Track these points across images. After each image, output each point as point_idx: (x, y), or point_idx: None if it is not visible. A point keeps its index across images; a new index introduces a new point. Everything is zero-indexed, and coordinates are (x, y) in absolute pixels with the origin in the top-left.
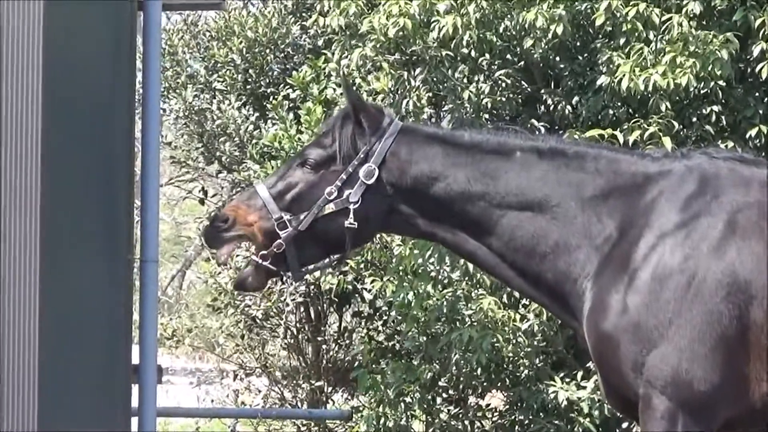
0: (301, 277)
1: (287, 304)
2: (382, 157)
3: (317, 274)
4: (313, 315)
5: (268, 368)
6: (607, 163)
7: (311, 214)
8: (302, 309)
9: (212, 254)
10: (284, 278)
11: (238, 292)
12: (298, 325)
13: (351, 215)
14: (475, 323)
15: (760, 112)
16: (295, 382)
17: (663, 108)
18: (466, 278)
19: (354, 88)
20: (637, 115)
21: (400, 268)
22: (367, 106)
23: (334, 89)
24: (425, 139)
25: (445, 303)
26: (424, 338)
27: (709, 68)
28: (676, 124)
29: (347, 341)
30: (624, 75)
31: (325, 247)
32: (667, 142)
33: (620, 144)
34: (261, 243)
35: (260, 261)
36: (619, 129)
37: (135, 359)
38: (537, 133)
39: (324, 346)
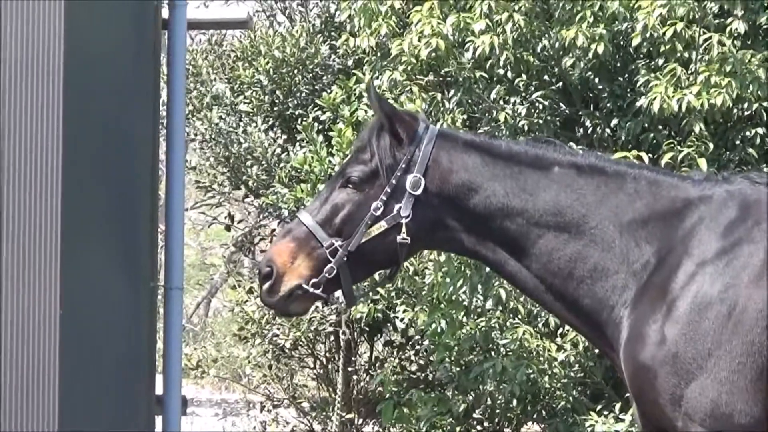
0: (355, 302)
1: (317, 334)
2: (425, 166)
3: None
4: (343, 344)
5: (297, 399)
6: (647, 185)
7: (360, 234)
8: (332, 338)
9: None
10: (330, 303)
11: (276, 318)
12: (327, 354)
13: (404, 230)
14: (510, 353)
15: None
16: (324, 413)
17: (697, 129)
18: (500, 307)
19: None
20: (677, 138)
21: (432, 296)
22: (399, 114)
23: (366, 111)
24: (464, 147)
25: (478, 332)
26: (457, 369)
27: (749, 89)
28: (711, 145)
29: (379, 371)
30: (657, 96)
31: (376, 266)
32: (703, 164)
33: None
34: (312, 274)
35: (311, 290)
36: (659, 152)
37: (159, 389)
38: (584, 151)
39: (354, 377)
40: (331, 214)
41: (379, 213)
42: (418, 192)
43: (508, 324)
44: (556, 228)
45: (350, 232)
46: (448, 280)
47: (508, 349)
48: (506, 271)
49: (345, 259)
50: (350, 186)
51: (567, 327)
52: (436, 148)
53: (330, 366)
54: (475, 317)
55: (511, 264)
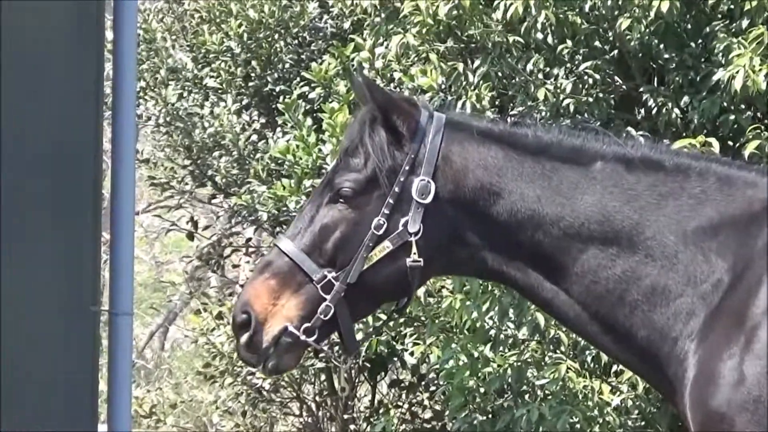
0: (357, 348)
1: (304, 371)
2: (434, 166)
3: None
4: (337, 385)
5: None
6: (716, 183)
7: (360, 260)
8: (323, 377)
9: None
10: (323, 353)
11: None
12: (317, 398)
13: (414, 249)
14: (550, 396)
15: None
16: None
17: None
18: (537, 336)
19: (386, 83)
20: (766, 122)
21: (450, 323)
22: (396, 102)
23: None
24: (480, 138)
25: (509, 370)
26: (482, 417)
27: None
28: None
29: (381, 419)
30: (739, 69)
31: (381, 298)
32: None
33: (727, 156)
34: (302, 316)
35: (302, 336)
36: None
37: None
38: (633, 140)
39: (352, 426)
40: (321, 239)
41: (381, 231)
42: (428, 200)
43: (547, 359)
44: (601, 240)
45: (346, 260)
46: (470, 302)
47: (547, 392)
48: (541, 297)
49: (342, 294)
50: (341, 200)
51: None
52: (445, 141)
53: (321, 413)
54: (505, 350)
55: (547, 288)
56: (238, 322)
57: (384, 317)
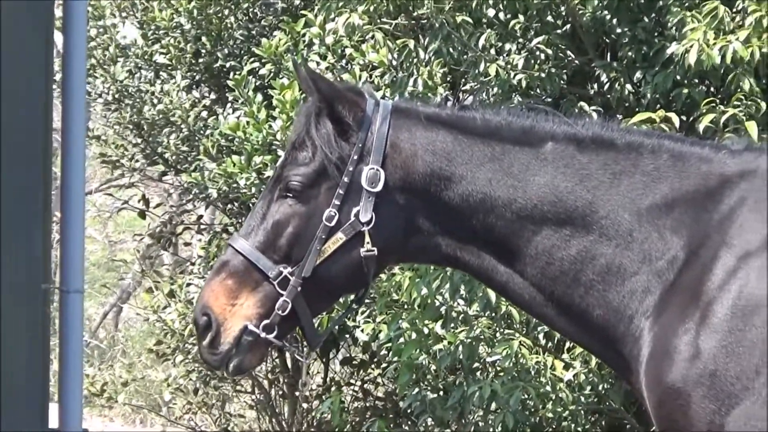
0: (319, 341)
1: None
2: (382, 153)
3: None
4: (289, 363)
5: None
6: (670, 159)
7: (313, 254)
8: (275, 355)
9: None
10: (287, 349)
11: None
12: (270, 376)
13: (367, 239)
14: (502, 373)
15: None
16: None
17: (746, 85)
18: (488, 312)
19: (337, 59)
20: (720, 96)
21: (398, 300)
22: (341, 92)
23: (318, 62)
24: (427, 123)
25: (460, 347)
26: (432, 394)
27: None
28: (764, 105)
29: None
30: (693, 43)
31: (339, 290)
32: (752, 128)
33: (678, 131)
34: (261, 313)
35: (263, 334)
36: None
37: (54, 422)
38: (585, 118)
39: (305, 404)
40: (274, 235)
41: (333, 223)
42: (378, 188)
43: (498, 335)
44: (555, 221)
45: (301, 254)
46: (419, 279)
47: (499, 368)
48: (496, 280)
49: (299, 288)
50: (291, 195)
51: None
52: (392, 129)
53: (273, 390)
54: (456, 327)
55: (501, 271)
56: (200, 325)
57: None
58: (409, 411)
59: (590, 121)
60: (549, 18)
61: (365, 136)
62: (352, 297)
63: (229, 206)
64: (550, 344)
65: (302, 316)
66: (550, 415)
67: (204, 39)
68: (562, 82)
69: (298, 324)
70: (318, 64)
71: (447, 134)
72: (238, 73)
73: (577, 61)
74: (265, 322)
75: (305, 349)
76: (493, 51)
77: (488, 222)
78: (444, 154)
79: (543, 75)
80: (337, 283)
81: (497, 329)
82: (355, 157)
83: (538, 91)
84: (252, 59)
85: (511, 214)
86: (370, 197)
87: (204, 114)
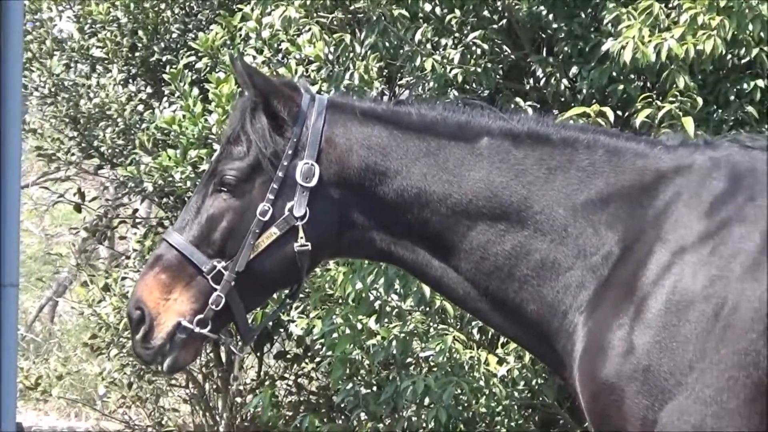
0: (253, 336)
1: None
2: (317, 148)
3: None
4: (223, 357)
5: (165, 428)
6: (605, 154)
7: (247, 248)
8: (209, 350)
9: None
10: (223, 343)
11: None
12: (204, 370)
13: (300, 234)
14: (435, 368)
15: None
16: None
17: (680, 82)
18: (422, 307)
19: (274, 53)
20: (655, 92)
21: (333, 294)
22: (276, 87)
23: (254, 56)
24: (363, 118)
25: (394, 342)
26: (366, 389)
27: (749, 30)
28: (699, 101)
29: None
30: (628, 41)
31: (273, 285)
32: (688, 124)
33: (613, 126)
34: (195, 308)
35: (197, 329)
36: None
37: None
38: (520, 114)
39: (238, 399)
40: (208, 229)
41: (267, 218)
42: (313, 183)
43: (432, 330)
44: (490, 216)
45: (234, 248)
46: (353, 274)
47: (432, 363)
48: (430, 275)
49: (233, 283)
50: (225, 189)
51: None
52: (327, 123)
53: (207, 385)
54: (390, 322)
55: (436, 266)
56: (133, 319)
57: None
58: (342, 406)
59: (526, 116)
60: (485, 13)
61: (300, 131)
62: (287, 292)
63: (165, 200)
64: (483, 339)
65: (236, 311)
66: (484, 410)
67: (140, 33)
68: (498, 77)
69: (231, 319)
70: (254, 58)
71: (382, 129)
72: (174, 66)
73: (513, 56)
74: (199, 317)
75: (239, 343)
76: (429, 45)
77: (423, 217)
78: (379, 149)
79: (479, 70)
80: (270, 278)
81: (431, 324)
82: (290, 152)
83: (474, 85)
84: (188, 53)
85: (446, 209)
86: (305, 192)
87: (140, 108)
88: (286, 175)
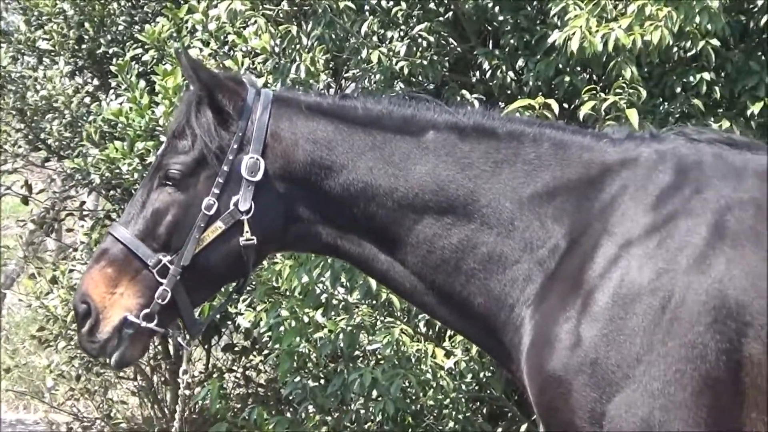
0: (200, 330)
1: None
2: (263, 143)
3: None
4: (172, 350)
5: (113, 420)
6: (551, 148)
7: (192, 242)
8: (157, 342)
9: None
10: (171, 337)
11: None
12: (152, 362)
13: (246, 228)
14: (382, 361)
15: (767, 81)
16: None
17: (627, 73)
18: (369, 300)
19: (220, 45)
20: (601, 84)
21: (277, 286)
22: (221, 81)
23: (201, 49)
24: (309, 113)
25: (341, 335)
26: (313, 382)
27: (696, 22)
28: (644, 93)
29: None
30: (575, 30)
31: (219, 279)
32: (633, 116)
33: (559, 118)
34: (141, 303)
35: (143, 323)
36: (577, 101)
37: None
38: (466, 107)
39: (187, 391)
40: (153, 223)
41: (212, 212)
42: (258, 177)
43: (379, 323)
44: (436, 210)
45: (180, 242)
46: (300, 267)
47: (380, 356)
48: (377, 269)
49: (178, 277)
50: (170, 183)
51: None
52: (273, 118)
53: (156, 377)
54: (337, 315)
55: (382, 259)
56: (79, 313)
57: None
58: (290, 398)
59: (472, 109)
60: (431, 5)
61: (245, 125)
62: (233, 286)
63: (112, 192)
64: (431, 332)
65: (182, 305)
66: (431, 402)
67: (87, 25)
68: (444, 69)
69: (178, 313)
70: (201, 50)
71: (328, 123)
72: (121, 59)
73: (459, 49)
74: (146, 311)
75: (187, 336)
76: (375, 38)
77: (369, 211)
78: (325, 143)
79: (425, 62)
80: (216, 272)
81: (378, 317)
82: (235, 146)
83: (420, 78)
84: (135, 45)
85: (392, 203)
86: (250, 186)
87: (87, 100)
88: (231, 169)
